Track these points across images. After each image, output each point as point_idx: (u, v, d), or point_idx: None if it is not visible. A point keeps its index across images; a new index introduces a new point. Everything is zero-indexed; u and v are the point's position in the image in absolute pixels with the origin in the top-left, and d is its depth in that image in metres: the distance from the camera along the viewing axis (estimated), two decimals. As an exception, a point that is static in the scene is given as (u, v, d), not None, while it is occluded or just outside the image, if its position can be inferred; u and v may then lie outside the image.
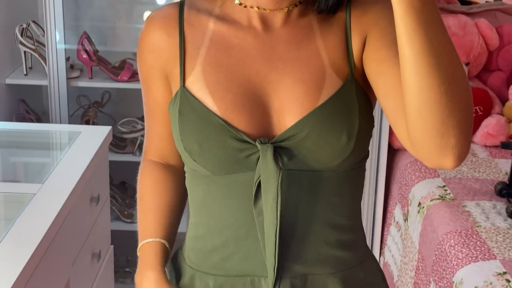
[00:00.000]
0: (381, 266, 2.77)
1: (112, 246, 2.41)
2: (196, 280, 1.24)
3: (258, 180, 1.15)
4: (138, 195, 1.32)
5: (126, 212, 3.07)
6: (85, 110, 2.96)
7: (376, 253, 2.90)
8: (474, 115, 2.89)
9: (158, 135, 1.29)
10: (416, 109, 1.00)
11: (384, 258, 2.79)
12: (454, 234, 2.12)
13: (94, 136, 2.22)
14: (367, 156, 1.22)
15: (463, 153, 1.03)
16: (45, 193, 1.82)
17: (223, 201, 1.19)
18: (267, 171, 1.13)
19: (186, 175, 1.25)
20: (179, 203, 1.32)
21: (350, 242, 1.23)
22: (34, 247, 1.56)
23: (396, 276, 2.58)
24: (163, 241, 1.27)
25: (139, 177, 1.34)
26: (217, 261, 1.22)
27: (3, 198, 1.86)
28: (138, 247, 1.28)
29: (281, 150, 1.14)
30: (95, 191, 2.11)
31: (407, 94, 1.01)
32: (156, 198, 1.30)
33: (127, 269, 3.21)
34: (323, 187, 1.18)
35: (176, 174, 1.32)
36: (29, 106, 2.95)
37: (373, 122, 1.20)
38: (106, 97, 3.01)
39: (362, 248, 1.26)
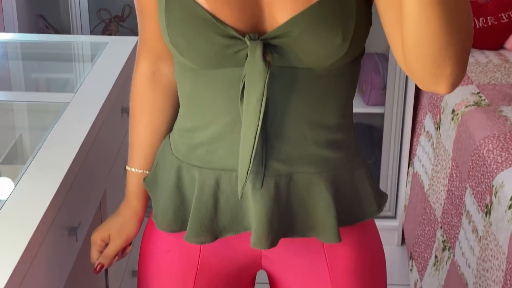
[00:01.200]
0: (411, 177, 2.75)
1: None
2: (183, 171, 1.24)
3: (245, 76, 1.11)
4: (130, 113, 1.35)
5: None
6: (106, 25, 2.90)
7: (405, 164, 2.88)
8: (504, 21, 2.81)
9: (151, 32, 1.26)
10: (414, 38, 0.97)
11: (414, 169, 2.77)
12: (492, 138, 2.08)
13: (122, 47, 2.17)
14: (362, 53, 1.18)
15: (457, 81, 1.02)
16: (79, 102, 1.78)
17: (210, 95, 1.17)
18: (255, 69, 1.09)
19: (175, 66, 1.23)
20: (167, 126, 1.34)
21: (339, 141, 1.20)
22: (73, 155, 1.53)
23: (427, 185, 2.56)
24: (143, 171, 1.35)
25: (132, 92, 1.35)
26: (203, 154, 1.20)
27: (36, 107, 1.82)
28: (126, 166, 1.37)
29: (270, 47, 1.10)
30: (126, 102, 2.08)
31: (406, 22, 0.97)
32: (146, 129, 1.34)
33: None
34: (313, 86, 1.14)
35: (165, 88, 1.32)
36: (48, 21, 2.89)
37: (371, 20, 1.15)
38: (127, 11, 2.94)
39: (351, 147, 1.24)
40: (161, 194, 1.27)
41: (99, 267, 1.33)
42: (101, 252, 1.36)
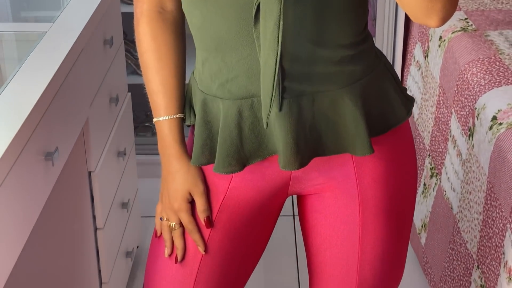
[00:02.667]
0: (435, 192, 2.70)
1: (129, 93, 2.39)
2: (208, 104, 1.23)
3: (258, 1, 1.10)
4: (141, 60, 1.28)
5: (142, 66, 3.04)
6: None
7: (396, 95, 2.87)
8: None
9: None
10: None
11: (440, 181, 2.74)
12: (476, 62, 2.07)
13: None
14: None
15: (447, 16, 1.04)
16: (56, 32, 1.78)
17: (222, 23, 1.15)
18: None
19: None
20: (182, 60, 1.29)
21: (357, 56, 1.20)
22: (47, 81, 1.53)
23: (417, 115, 2.56)
24: (178, 115, 1.27)
25: (137, 36, 1.29)
26: (223, 83, 1.20)
27: (13, 37, 1.82)
28: (154, 120, 1.28)
29: None
30: (108, 33, 2.07)
31: None
32: (161, 67, 1.26)
33: (146, 124, 3.23)
34: (326, 5, 1.13)
35: (173, 25, 1.27)
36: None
37: None
38: None
39: (370, 58, 1.23)
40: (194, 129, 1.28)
41: (206, 220, 1.28)
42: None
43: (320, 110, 1.19)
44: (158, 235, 1.33)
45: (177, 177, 1.27)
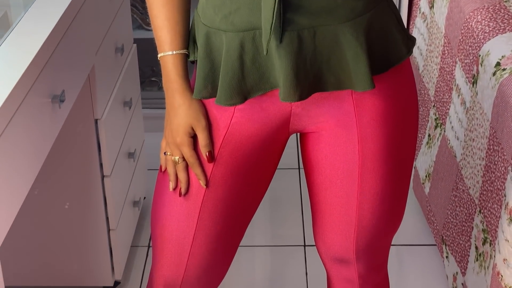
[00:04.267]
0: (439, 142, 2.70)
1: (135, 45, 2.40)
2: (211, 37, 1.24)
3: None
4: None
5: (148, 20, 3.04)
6: None
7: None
8: None
9: None
10: None
11: (445, 131, 2.74)
12: (481, 10, 2.07)
13: None
14: None
15: None
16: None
17: None
18: None
19: None
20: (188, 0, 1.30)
21: None
22: (53, 24, 1.55)
23: (422, 67, 2.56)
24: (182, 51, 1.28)
25: None
26: (225, 15, 1.21)
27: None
28: (158, 56, 1.29)
29: None
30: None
31: None
32: (167, 2, 1.27)
33: (153, 79, 3.24)
34: None
35: None
36: None
37: None
38: None
39: None
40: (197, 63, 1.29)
41: (208, 155, 1.30)
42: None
43: (321, 44, 1.19)
44: (163, 170, 1.35)
45: (179, 111, 1.29)
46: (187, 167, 1.32)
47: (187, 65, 1.30)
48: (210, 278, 1.42)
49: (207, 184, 1.31)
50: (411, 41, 1.30)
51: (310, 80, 1.22)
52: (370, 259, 1.45)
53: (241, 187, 1.35)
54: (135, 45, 2.41)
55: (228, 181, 1.32)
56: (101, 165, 2.01)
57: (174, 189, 1.33)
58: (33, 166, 1.45)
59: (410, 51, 1.29)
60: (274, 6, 1.13)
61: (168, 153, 1.32)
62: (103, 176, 2.02)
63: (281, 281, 2.33)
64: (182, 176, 1.32)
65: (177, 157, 1.31)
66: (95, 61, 1.88)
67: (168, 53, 1.28)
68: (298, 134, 1.39)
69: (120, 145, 2.14)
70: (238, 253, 1.48)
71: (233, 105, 1.25)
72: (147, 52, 2.74)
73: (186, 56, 1.29)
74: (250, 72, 1.23)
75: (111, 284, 2.19)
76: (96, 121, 1.94)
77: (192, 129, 1.29)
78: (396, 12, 1.29)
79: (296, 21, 1.17)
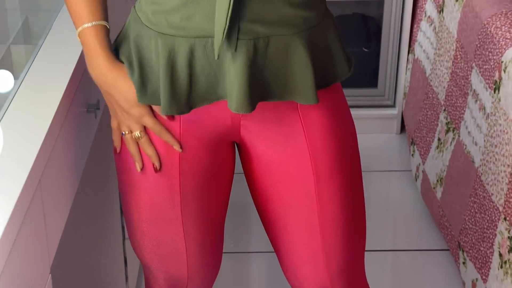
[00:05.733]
0: (411, 63, 2.74)
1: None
2: (158, 41, 1.19)
3: None
4: None
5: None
6: None
7: (404, 51, 2.87)
8: None
9: None
10: None
11: (414, 55, 2.76)
12: (499, 16, 2.07)
13: None
14: None
15: None
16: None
17: None
18: None
19: None
20: None
21: (312, 1, 1.20)
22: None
23: (429, 70, 2.56)
24: (103, 22, 1.22)
25: None
26: (176, 21, 1.17)
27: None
28: (78, 31, 1.23)
29: None
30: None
31: None
32: None
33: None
34: None
35: None
36: None
37: None
38: None
39: (322, 6, 1.23)
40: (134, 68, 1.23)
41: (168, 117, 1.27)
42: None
43: (273, 54, 1.18)
44: (118, 151, 1.31)
45: (119, 84, 1.22)
46: (149, 140, 1.26)
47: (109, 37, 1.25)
48: (209, 274, 1.44)
49: (181, 147, 1.27)
50: (351, 61, 1.30)
51: (259, 90, 1.20)
52: (348, 283, 1.39)
53: (209, 194, 1.33)
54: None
55: (197, 192, 1.31)
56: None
57: (142, 168, 1.28)
58: (76, 177, 1.40)
59: (350, 70, 1.29)
60: (228, 10, 1.11)
61: (126, 132, 1.26)
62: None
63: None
64: (150, 150, 1.27)
65: (137, 132, 1.26)
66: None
67: (89, 25, 1.21)
68: (239, 154, 1.36)
69: (134, 152, 2.10)
70: (235, 260, 1.48)
71: (180, 113, 1.21)
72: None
73: (107, 29, 1.23)
74: (198, 82, 1.19)
75: (124, 294, 2.15)
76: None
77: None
78: (338, 29, 1.29)
79: (251, 29, 1.15)
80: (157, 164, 1.27)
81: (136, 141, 1.27)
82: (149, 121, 1.24)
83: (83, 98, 1.44)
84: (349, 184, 1.32)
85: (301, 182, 1.29)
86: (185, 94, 1.19)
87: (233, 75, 1.17)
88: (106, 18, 1.23)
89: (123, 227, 2.03)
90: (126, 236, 2.05)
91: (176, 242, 1.34)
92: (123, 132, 1.27)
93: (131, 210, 1.35)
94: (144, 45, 1.22)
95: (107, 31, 1.23)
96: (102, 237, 2.04)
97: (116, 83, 1.22)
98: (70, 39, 1.47)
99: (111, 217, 2.00)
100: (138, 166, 1.28)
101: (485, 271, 1.99)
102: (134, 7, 1.26)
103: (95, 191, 1.95)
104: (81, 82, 1.42)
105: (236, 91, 1.17)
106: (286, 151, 1.28)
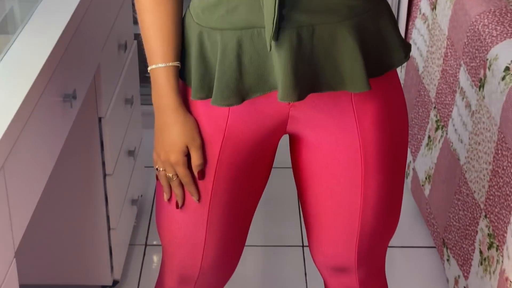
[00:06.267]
0: (440, 144, 2.68)
1: (135, 41, 2.37)
2: (204, 36, 1.22)
3: None
4: (137, 4, 1.24)
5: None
6: None
7: (400, 48, 2.86)
8: None
9: None
10: None
11: (447, 133, 2.73)
12: (487, 13, 2.07)
13: None
14: None
15: None
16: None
17: None
18: None
19: None
20: (181, 6, 1.27)
21: None
22: (64, 23, 1.52)
23: (422, 68, 2.56)
24: (175, 63, 1.24)
25: None
26: (222, 14, 1.18)
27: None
28: (149, 68, 1.24)
29: None
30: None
31: None
32: (160, 12, 1.23)
33: (147, 75, 3.21)
34: None
35: None
36: None
37: None
38: None
39: None
40: (187, 64, 1.26)
41: (199, 173, 1.29)
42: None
43: (319, 43, 1.18)
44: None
45: (173, 129, 1.25)
46: (181, 182, 1.30)
47: (179, 78, 1.26)
48: (223, 271, 1.44)
49: (199, 200, 1.31)
50: (408, 47, 1.29)
51: (308, 80, 1.20)
52: (370, 265, 1.45)
53: (242, 188, 1.34)
54: (135, 41, 2.38)
55: (230, 184, 1.31)
56: (103, 163, 1.98)
57: (169, 200, 1.32)
58: (47, 167, 1.42)
59: (407, 56, 1.28)
60: (276, 1, 1.12)
61: (161, 169, 1.30)
62: (105, 175, 2.00)
63: (280, 281, 2.32)
64: (177, 191, 1.31)
65: (170, 174, 1.29)
66: (100, 59, 1.85)
67: (161, 66, 1.23)
68: (289, 140, 1.37)
69: (121, 144, 2.12)
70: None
71: (230, 105, 1.22)
72: (142, 47, 2.71)
73: (178, 69, 1.25)
74: (248, 72, 1.20)
75: (110, 283, 2.17)
76: (100, 119, 1.92)
77: (187, 147, 1.26)
78: (393, 16, 1.28)
79: (295, 18, 1.16)
80: (180, 203, 1.31)
81: (168, 180, 1.30)
82: (181, 171, 1.28)
83: (58, 87, 1.46)
84: (394, 178, 1.34)
85: (348, 171, 1.30)
86: (236, 86, 1.20)
87: (278, 64, 1.17)
88: (178, 57, 1.25)
89: (108, 217, 2.05)
90: (111, 226, 2.07)
91: (197, 229, 1.34)
92: (157, 168, 1.30)
93: (161, 190, 1.36)
94: (194, 42, 1.23)
95: (177, 70, 1.25)
96: (86, 227, 2.06)
97: (173, 126, 1.25)
98: (47, 29, 1.49)
99: (95, 207, 2.02)
100: (165, 197, 1.32)
101: (467, 268, 1.99)
102: (188, 7, 1.28)
103: (77, 181, 1.97)
104: (57, 70, 1.44)
105: (281, 80, 1.18)
106: (337, 139, 1.28)
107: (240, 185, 1.33)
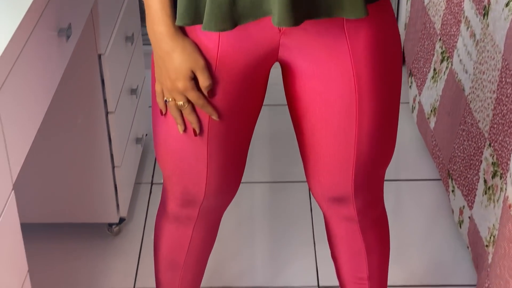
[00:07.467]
0: (445, 76, 2.53)
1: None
2: None
3: None
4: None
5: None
6: None
7: None
8: None
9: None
10: None
11: (452, 65, 2.38)
12: None
13: None
14: None
15: None
16: None
17: None
18: None
19: None
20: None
21: None
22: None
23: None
24: None
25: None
26: None
27: None
28: None
29: None
30: None
31: None
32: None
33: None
34: None
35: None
36: None
37: None
38: None
39: None
40: None
41: (209, 93, 1.27)
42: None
43: None
44: (164, 113, 1.32)
45: (174, 56, 1.23)
46: (193, 108, 1.29)
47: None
48: (227, 196, 1.48)
49: (219, 116, 1.30)
50: None
51: (305, 4, 1.17)
52: (367, 194, 1.45)
53: (237, 119, 1.34)
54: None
55: (225, 113, 1.31)
56: (105, 101, 1.97)
57: (184, 130, 1.31)
58: (43, 101, 1.41)
59: None
60: None
61: (170, 99, 1.28)
62: (107, 113, 1.99)
63: (286, 216, 2.33)
64: (191, 118, 1.30)
65: (180, 102, 1.27)
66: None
67: None
68: (281, 72, 1.35)
69: (123, 81, 2.10)
70: (239, 190, 1.49)
71: (222, 30, 1.19)
72: None
73: None
74: None
75: (116, 221, 2.19)
76: (99, 56, 1.90)
77: (192, 71, 1.25)
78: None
79: None
80: (197, 129, 1.31)
81: (179, 108, 1.29)
82: (193, 96, 1.26)
83: (52, 21, 1.44)
84: (389, 105, 1.33)
85: (343, 98, 1.29)
86: (229, 10, 1.18)
87: None
88: None
89: (111, 155, 2.06)
90: (116, 164, 2.08)
91: (198, 161, 1.36)
92: (166, 99, 1.29)
93: (160, 124, 1.36)
94: None
95: None
96: (90, 164, 2.06)
97: (173, 53, 1.23)
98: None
99: (99, 145, 2.02)
100: (180, 129, 1.31)
101: (471, 198, 1.99)
102: None
103: (79, 118, 1.97)
104: (50, 3, 1.42)
105: (278, 3, 1.15)
106: (329, 67, 1.27)
107: (236, 115, 1.33)
